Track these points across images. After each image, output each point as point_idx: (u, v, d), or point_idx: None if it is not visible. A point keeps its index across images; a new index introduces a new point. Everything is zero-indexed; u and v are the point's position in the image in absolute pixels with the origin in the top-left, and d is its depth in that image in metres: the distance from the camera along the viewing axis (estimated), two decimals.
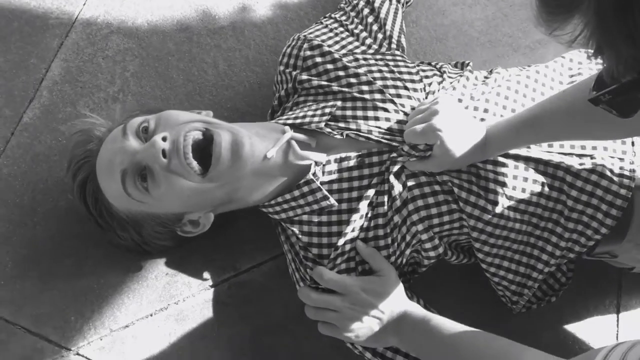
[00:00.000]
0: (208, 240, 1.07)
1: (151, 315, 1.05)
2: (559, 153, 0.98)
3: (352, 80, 1.01)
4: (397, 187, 0.94)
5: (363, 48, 1.09)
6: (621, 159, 0.98)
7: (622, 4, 0.47)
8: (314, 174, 0.96)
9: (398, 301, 0.95)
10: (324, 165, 0.97)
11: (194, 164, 0.91)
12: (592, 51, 0.51)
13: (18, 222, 1.09)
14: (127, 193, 0.93)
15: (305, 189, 0.96)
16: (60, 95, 1.17)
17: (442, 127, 0.91)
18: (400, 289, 0.96)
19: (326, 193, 0.95)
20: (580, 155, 0.98)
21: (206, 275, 1.08)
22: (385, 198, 0.95)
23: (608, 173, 0.95)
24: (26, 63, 1.19)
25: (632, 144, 0.99)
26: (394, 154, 0.95)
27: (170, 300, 1.06)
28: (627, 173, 0.96)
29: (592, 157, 0.98)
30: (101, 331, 1.04)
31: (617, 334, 1.11)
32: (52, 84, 1.18)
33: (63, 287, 1.06)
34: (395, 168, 0.94)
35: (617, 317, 1.11)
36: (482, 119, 0.98)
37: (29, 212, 1.09)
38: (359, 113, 0.99)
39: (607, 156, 0.98)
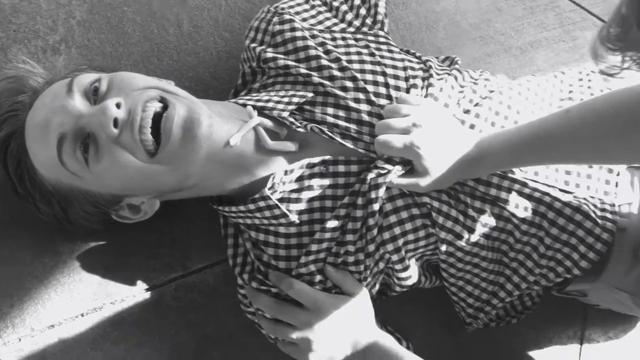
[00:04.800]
0: (154, 232, 0.94)
1: (82, 315, 0.91)
2: (543, 183, 0.91)
3: (323, 62, 0.89)
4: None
5: (343, 26, 0.97)
6: (602, 201, 0.92)
7: None
8: (271, 188, 0.83)
9: (368, 328, 0.87)
10: (284, 174, 0.84)
11: (150, 140, 0.78)
12: None
13: None
14: (62, 162, 0.79)
15: (261, 203, 0.83)
16: None
17: (422, 144, 0.82)
18: (371, 315, 0.89)
19: (284, 211, 0.83)
20: (562, 191, 0.91)
21: (150, 273, 0.95)
22: (359, 224, 0.85)
23: (592, 214, 0.90)
24: None
25: (616, 184, 0.94)
26: (372, 175, 0.83)
27: (106, 300, 0.92)
28: (609, 216, 0.91)
29: (574, 195, 0.92)
30: (21, 330, 0.89)
31: None
32: None
33: None
34: (381, 193, 0.83)
35: (580, 348, 1.08)
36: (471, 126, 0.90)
37: None
38: (330, 110, 0.87)
39: (589, 196, 0.92)
